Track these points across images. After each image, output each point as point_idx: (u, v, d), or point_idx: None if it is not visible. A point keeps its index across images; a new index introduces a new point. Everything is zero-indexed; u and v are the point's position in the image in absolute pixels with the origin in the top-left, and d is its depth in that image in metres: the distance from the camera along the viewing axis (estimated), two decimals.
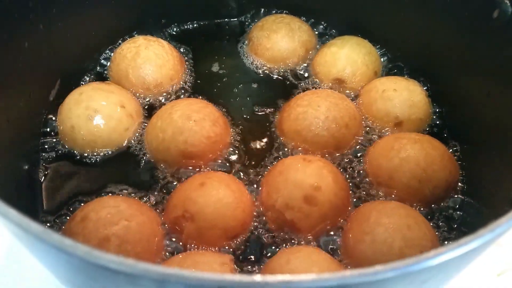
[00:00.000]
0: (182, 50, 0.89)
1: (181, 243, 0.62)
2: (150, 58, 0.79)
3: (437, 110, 0.79)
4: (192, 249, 0.61)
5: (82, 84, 0.82)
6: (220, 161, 0.71)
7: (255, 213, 0.65)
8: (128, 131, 0.73)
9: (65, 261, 0.36)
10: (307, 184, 0.62)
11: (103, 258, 0.32)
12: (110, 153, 0.72)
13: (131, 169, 0.71)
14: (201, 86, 0.83)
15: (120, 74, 0.79)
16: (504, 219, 0.33)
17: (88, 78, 0.83)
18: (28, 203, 0.66)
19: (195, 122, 0.69)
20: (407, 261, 0.30)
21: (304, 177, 0.63)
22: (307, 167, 0.64)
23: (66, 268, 0.39)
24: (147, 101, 0.79)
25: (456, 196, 0.68)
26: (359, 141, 0.74)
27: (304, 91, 0.81)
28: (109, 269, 0.32)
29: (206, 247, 0.61)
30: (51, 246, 0.33)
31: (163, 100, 0.79)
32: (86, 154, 0.72)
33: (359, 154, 0.72)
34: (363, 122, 0.76)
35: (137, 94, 0.79)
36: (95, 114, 0.71)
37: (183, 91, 0.81)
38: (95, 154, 0.72)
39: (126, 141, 0.73)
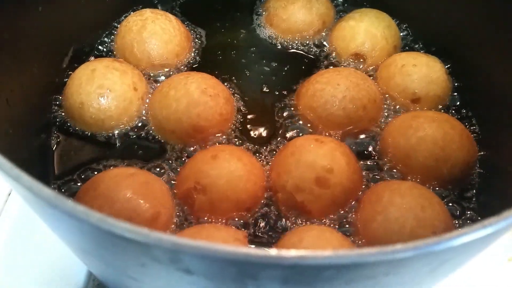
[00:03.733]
0: (194, 21, 0.86)
1: (192, 216, 0.61)
2: (156, 33, 0.76)
3: (457, 87, 0.76)
4: (204, 222, 0.61)
5: (96, 53, 0.80)
6: (224, 136, 0.70)
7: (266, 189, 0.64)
8: (138, 112, 0.71)
9: (77, 228, 0.35)
10: (319, 166, 0.60)
11: (117, 226, 0.31)
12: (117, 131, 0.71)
13: (140, 144, 0.70)
14: (210, 61, 0.81)
15: (124, 47, 0.77)
16: None
17: (102, 48, 0.81)
18: (40, 169, 0.66)
19: (211, 97, 0.68)
20: (428, 240, 0.29)
21: (316, 158, 0.61)
22: (319, 148, 0.62)
23: (78, 236, 0.39)
24: (149, 77, 0.76)
25: (473, 176, 0.67)
26: None
27: (320, 66, 0.80)
28: (122, 238, 0.31)
29: (217, 219, 0.60)
30: (63, 213, 0.33)
31: (165, 77, 0.76)
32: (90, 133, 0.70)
33: (375, 131, 0.71)
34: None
35: (140, 69, 0.76)
36: (109, 94, 0.68)
37: (188, 68, 0.79)
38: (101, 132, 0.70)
39: (135, 122, 0.71)
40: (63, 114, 0.72)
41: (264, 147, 0.70)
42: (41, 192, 0.33)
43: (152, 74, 0.77)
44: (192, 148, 0.68)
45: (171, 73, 0.77)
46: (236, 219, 0.61)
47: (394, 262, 0.31)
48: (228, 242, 0.54)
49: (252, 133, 0.72)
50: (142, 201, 0.57)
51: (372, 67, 0.79)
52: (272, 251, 0.29)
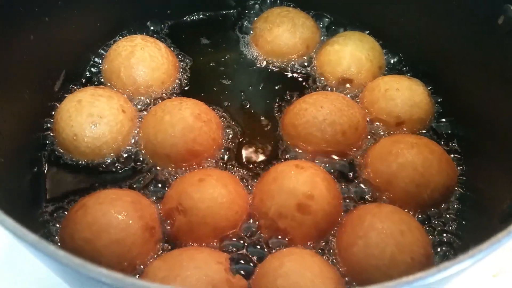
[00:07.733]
0: (181, 41, 0.88)
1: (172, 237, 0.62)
2: (144, 60, 0.78)
3: (441, 109, 0.78)
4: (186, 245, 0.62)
5: (87, 74, 0.82)
6: (214, 160, 0.72)
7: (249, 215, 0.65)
8: (130, 135, 0.73)
9: (60, 269, 0.37)
10: (300, 192, 0.62)
11: (95, 271, 0.33)
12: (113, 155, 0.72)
13: (132, 167, 0.71)
14: (196, 85, 0.82)
15: (112, 70, 0.79)
16: (485, 245, 0.34)
17: (94, 69, 0.83)
18: (32, 196, 0.68)
19: (205, 122, 0.70)
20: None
21: (297, 185, 0.62)
22: (300, 174, 0.64)
23: (64, 273, 0.41)
24: (135, 102, 0.78)
25: (453, 199, 0.68)
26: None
27: (309, 89, 0.82)
28: (100, 282, 0.33)
29: (194, 243, 0.62)
30: (46, 256, 0.35)
31: (150, 102, 0.78)
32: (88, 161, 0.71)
33: (355, 155, 0.73)
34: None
35: (125, 94, 0.77)
36: (100, 121, 0.70)
37: (174, 93, 0.80)
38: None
39: (130, 143, 0.73)
40: (55, 140, 0.72)
41: (252, 171, 0.72)
42: (25, 236, 0.35)
43: (137, 99, 0.78)
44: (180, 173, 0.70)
45: (157, 99, 0.79)
46: (218, 242, 0.62)
47: None
48: (210, 265, 0.56)
49: (242, 156, 0.74)
50: (135, 218, 0.60)
51: (358, 90, 0.81)
52: None
